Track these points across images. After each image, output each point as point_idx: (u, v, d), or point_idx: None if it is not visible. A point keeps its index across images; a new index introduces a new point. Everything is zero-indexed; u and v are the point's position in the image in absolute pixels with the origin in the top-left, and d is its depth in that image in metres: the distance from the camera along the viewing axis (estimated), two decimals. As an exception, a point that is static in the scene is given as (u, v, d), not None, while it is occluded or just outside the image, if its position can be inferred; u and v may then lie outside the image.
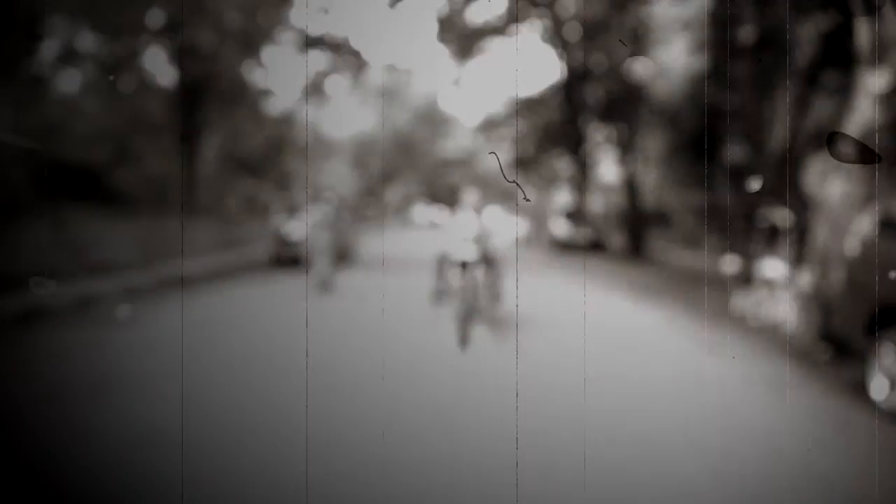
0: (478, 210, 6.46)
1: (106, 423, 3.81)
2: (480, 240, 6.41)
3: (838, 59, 10.12)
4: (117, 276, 10.24)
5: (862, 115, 6.25)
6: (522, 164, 25.03)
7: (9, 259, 8.64)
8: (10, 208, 8.80)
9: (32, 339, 6.35)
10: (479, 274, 6.45)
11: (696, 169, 17.28)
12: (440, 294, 7.04)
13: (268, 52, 18.16)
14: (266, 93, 19.57)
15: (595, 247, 20.55)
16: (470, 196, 6.49)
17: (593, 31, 20.08)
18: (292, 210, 14.99)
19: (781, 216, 8.37)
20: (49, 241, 9.46)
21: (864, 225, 5.28)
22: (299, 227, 13.89)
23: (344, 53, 19.56)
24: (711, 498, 2.94)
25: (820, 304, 5.94)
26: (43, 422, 3.83)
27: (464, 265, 6.24)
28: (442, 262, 6.85)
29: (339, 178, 29.85)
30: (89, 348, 5.89)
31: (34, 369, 5.08)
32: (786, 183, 11.05)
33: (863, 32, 6.40)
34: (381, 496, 2.90)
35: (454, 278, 6.31)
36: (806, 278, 6.86)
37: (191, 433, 3.63)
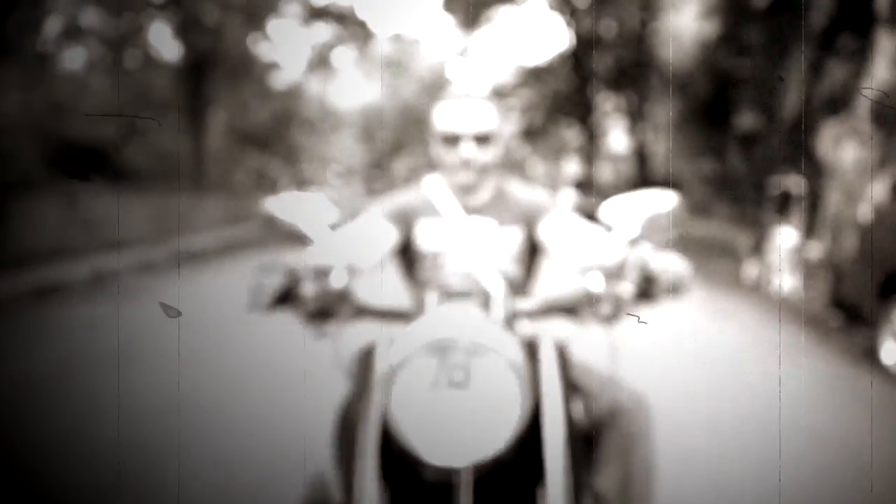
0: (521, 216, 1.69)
1: (121, 394, 3.89)
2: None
3: (855, 22, 9.90)
4: (130, 251, 10.33)
5: (877, 78, 6.14)
6: (531, 134, 24.81)
7: (23, 236, 8.74)
8: (22, 186, 8.86)
9: (48, 314, 6.45)
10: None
11: (707, 137, 17.09)
12: None
13: (273, 25, 17.97)
14: (272, 66, 19.44)
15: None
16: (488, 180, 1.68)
17: (602, -3, 19.72)
18: (301, 183, 14.99)
19: (794, 183, 8.30)
20: (61, 217, 9.54)
21: (878, 191, 5.23)
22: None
23: (349, 24, 19.33)
24: (722, 461, 2.97)
25: (832, 270, 5.92)
26: (60, 394, 3.92)
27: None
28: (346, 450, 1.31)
29: (346, 150, 29.78)
30: (104, 322, 5.98)
31: (50, 343, 5.17)
32: (798, 149, 10.91)
33: (880, -7, 6.26)
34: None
35: None
36: (818, 245, 6.82)
37: (195, 407, 3.70)
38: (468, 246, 1.65)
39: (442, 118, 1.63)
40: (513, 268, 1.67)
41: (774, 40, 12.27)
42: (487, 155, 1.62)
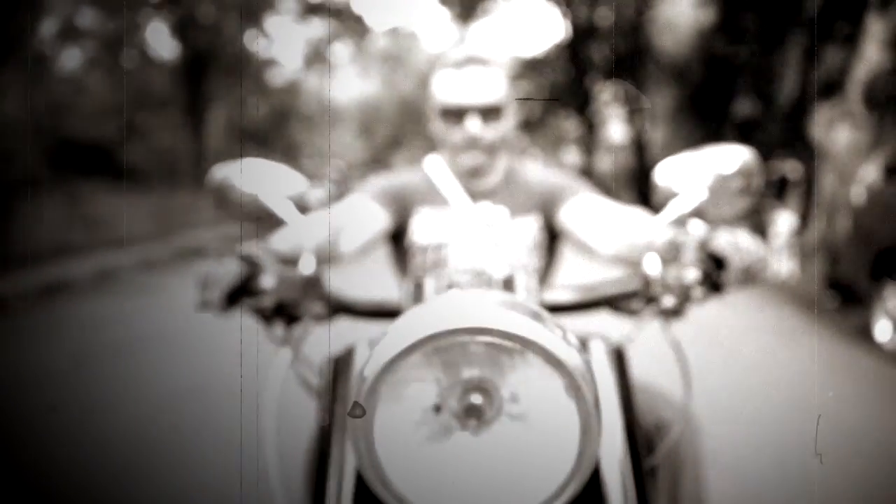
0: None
1: (129, 385, 3.98)
2: None
3: (848, 7, 9.94)
4: (134, 248, 10.42)
5: (868, 61, 6.20)
6: (529, 125, 24.86)
7: (27, 236, 8.83)
8: (26, 186, 8.94)
9: (55, 311, 6.54)
10: None
11: (705, 125, 17.13)
12: None
13: (269, 22, 18.02)
14: (270, 62, 19.48)
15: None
16: None
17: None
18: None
19: (791, 168, 8.36)
20: (64, 216, 9.63)
21: (870, 172, 5.30)
22: (311, 196, 13.97)
23: (345, 19, 19.35)
24: (724, 436, 3.06)
25: (827, 252, 5.99)
26: (70, 386, 4.00)
27: None
28: None
29: (344, 145, 29.81)
30: (111, 317, 6.07)
31: (57, 339, 5.26)
32: (795, 134, 10.97)
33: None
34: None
35: None
36: (814, 228, 6.90)
37: (201, 397, 3.79)
38: (475, 238, 1.37)
39: (442, 89, 1.36)
40: (529, 263, 1.37)
41: (770, 27, 12.31)
42: (496, 131, 1.37)
